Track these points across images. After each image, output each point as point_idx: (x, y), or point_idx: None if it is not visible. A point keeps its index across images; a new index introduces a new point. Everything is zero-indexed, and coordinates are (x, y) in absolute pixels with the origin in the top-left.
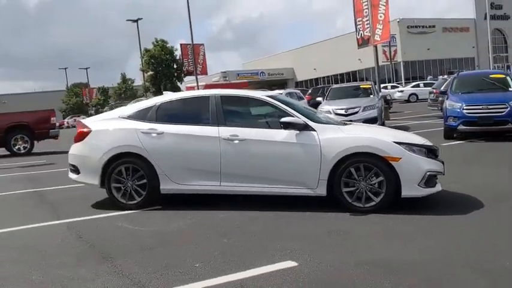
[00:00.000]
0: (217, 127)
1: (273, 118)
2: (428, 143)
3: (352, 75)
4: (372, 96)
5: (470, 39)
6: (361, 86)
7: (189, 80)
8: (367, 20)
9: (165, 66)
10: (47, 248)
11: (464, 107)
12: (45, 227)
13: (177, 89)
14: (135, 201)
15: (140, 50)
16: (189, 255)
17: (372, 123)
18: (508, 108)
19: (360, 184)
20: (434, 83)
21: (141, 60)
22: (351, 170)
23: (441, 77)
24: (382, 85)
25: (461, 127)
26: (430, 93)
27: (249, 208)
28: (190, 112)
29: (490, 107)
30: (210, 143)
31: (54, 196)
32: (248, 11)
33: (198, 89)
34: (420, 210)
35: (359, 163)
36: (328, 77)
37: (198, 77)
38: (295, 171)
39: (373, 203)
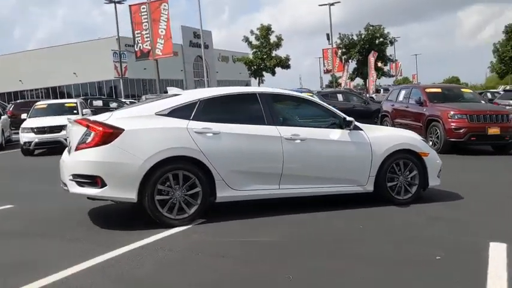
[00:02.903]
0: (274, 126)
1: (320, 117)
2: None
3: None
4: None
5: (179, 62)
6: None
7: None
8: (147, 34)
9: None
10: None
11: None
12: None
13: None
14: (186, 215)
15: None
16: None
17: None
18: None
19: (399, 178)
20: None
21: None
22: (393, 165)
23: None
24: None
25: None
26: None
27: (301, 211)
28: (240, 110)
29: None
30: (272, 143)
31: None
32: None
33: None
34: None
35: (400, 159)
36: (36, 90)
37: None
38: (350, 169)
39: (409, 195)
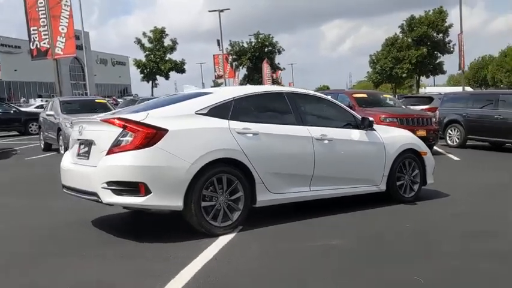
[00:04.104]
0: (304, 126)
1: (338, 117)
2: None
3: None
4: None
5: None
6: (97, 101)
7: None
8: (45, 31)
9: None
10: None
11: None
12: None
13: None
14: (229, 222)
15: None
16: None
17: None
18: None
19: (405, 177)
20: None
21: None
22: (400, 165)
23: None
24: None
25: None
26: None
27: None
28: (271, 109)
29: None
30: (304, 144)
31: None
32: None
33: None
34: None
35: (406, 158)
36: None
37: None
38: (369, 170)
39: (413, 193)
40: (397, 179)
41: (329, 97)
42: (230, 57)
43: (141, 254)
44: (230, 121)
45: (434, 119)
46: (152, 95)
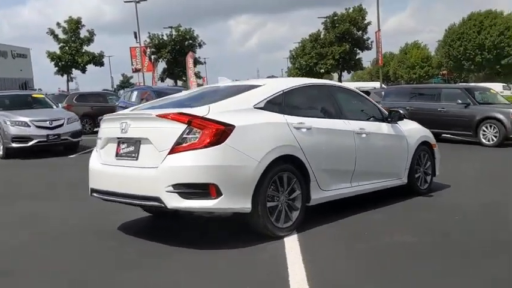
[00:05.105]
0: (345, 120)
1: (368, 111)
2: None
3: None
4: (55, 107)
5: None
6: (34, 96)
7: None
8: None
9: None
10: None
11: None
12: None
13: None
14: (290, 223)
15: None
16: None
17: (78, 137)
18: None
19: (420, 169)
20: None
21: None
22: (417, 157)
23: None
24: None
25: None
26: None
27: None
28: (314, 103)
29: None
30: (348, 138)
31: None
32: None
33: None
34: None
35: (421, 151)
36: None
37: None
38: (396, 163)
39: (427, 185)
40: (416, 172)
41: (358, 90)
42: (148, 50)
43: (229, 262)
44: (285, 115)
45: None
46: (68, 89)
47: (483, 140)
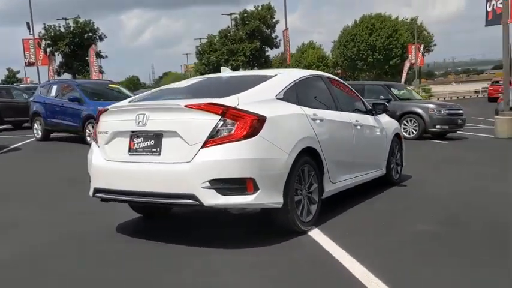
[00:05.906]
0: (344, 112)
1: (355, 103)
2: None
3: None
4: None
5: None
6: None
7: None
8: None
9: None
10: None
11: None
12: None
13: None
14: (311, 217)
15: None
16: None
17: None
18: None
19: (393, 160)
20: None
21: None
22: (391, 148)
23: None
24: None
25: None
26: None
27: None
28: (318, 94)
29: None
30: (349, 130)
31: None
32: None
33: None
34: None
35: (394, 142)
36: None
37: None
38: (379, 154)
39: (398, 176)
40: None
41: (344, 82)
42: (44, 42)
43: (273, 262)
44: (302, 107)
45: None
46: None
47: (404, 133)
